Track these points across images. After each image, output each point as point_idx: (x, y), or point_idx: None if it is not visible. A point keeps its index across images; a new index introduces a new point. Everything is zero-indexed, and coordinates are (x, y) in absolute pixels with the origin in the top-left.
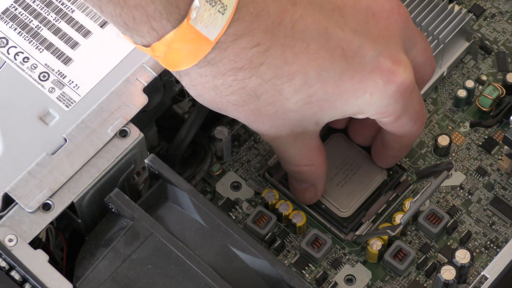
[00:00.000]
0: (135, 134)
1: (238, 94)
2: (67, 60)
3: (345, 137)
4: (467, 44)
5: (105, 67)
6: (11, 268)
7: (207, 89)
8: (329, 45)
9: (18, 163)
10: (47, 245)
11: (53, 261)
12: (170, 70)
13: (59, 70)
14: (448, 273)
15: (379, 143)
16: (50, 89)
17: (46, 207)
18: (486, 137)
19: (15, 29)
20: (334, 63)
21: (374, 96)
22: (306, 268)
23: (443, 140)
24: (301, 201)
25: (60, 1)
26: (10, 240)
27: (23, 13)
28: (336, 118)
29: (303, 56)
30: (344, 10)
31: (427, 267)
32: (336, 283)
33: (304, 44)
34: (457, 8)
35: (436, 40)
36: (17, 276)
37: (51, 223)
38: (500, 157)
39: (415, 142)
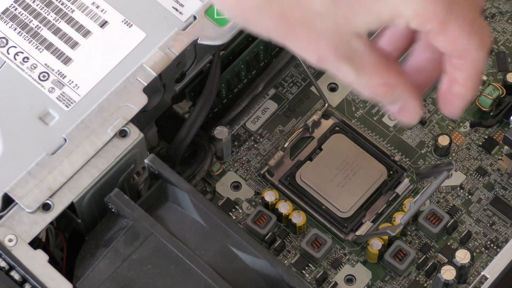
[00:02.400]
0: (135, 134)
1: None
2: (67, 60)
3: (345, 137)
4: None
5: (105, 67)
6: (11, 268)
7: None
8: None
9: (18, 163)
10: (47, 245)
11: (53, 261)
12: None
13: (59, 70)
14: (448, 273)
15: (445, 83)
16: (50, 89)
17: (46, 207)
18: (486, 137)
19: (15, 29)
20: None
21: None
22: (306, 268)
23: (443, 140)
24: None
25: (60, 1)
26: (10, 240)
27: (23, 13)
28: (373, 25)
29: None
30: None
31: (427, 267)
32: (336, 283)
33: None
34: None
35: None
36: (17, 276)
37: (51, 223)
38: (500, 157)
39: (415, 142)
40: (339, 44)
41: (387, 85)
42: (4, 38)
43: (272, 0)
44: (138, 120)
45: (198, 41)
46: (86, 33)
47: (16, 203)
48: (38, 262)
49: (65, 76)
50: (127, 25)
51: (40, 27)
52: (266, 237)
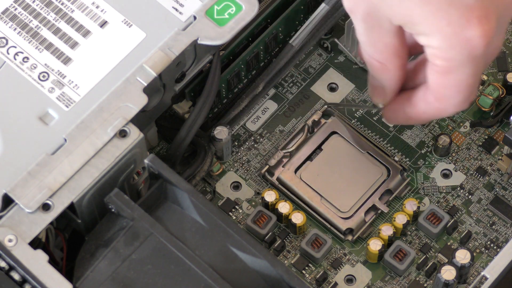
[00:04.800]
0: (135, 134)
1: None
2: (67, 60)
3: (344, 137)
4: None
5: (105, 67)
6: (11, 268)
7: None
8: None
9: (18, 163)
10: (47, 245)
11: (53, 261)
12: None
13: (59, 70)
14: (448, 273)
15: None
16: (50, 89)
17: (46, 207)
18: (486, 137)
19: (15, 29)
20: None
21: (438, 16)
22: (306, 268)
23: (443, 140)
24: (372, 98)
25: (60, 1)
26: (10, 240)
27: (22, 13)
28: (392, 19)
29: None
30: None
31: (427, 267)
32: (336, 283)
33: None
34: None
35: None
36: (16, 277)
37: (51, 223)
38: (500, 157)
39: (415, 142)
40: (367, 14)
41: (384, 66)
42: (4, 38)
43: None
44: (138, 120)
45: (198, 41)
46: (86, 33)
47: (16, 203)
48: (38, 262)
49: (65, 76)
50: (127, 25)
51: (40, 27)
52: (266, 237)
